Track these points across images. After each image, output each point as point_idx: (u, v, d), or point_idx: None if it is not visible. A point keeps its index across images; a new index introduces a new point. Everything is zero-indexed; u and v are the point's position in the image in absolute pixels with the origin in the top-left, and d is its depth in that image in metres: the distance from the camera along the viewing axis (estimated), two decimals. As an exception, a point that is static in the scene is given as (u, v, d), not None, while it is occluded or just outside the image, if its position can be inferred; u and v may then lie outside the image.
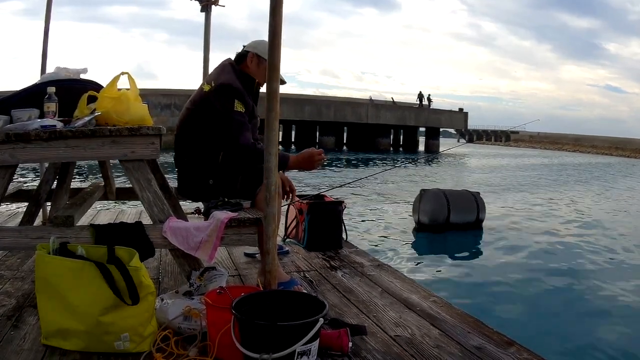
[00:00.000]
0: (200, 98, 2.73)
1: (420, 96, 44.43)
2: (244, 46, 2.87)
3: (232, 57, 2.88)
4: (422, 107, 43.26)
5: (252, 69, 2.80)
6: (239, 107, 2.66)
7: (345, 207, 3.73)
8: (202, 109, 2.69)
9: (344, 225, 3.74)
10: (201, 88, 2.77)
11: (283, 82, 2.77)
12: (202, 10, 3.91)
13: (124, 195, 3.54)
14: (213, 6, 3.86)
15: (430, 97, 44.69)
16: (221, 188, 2.73)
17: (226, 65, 2.82)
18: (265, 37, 2.10)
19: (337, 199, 3.88)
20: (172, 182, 3.38)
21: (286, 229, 3.86)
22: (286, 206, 3.80)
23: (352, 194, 11.70)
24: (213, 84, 2.71)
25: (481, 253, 7.13)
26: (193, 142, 2.72)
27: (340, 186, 6.91)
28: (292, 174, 3.19)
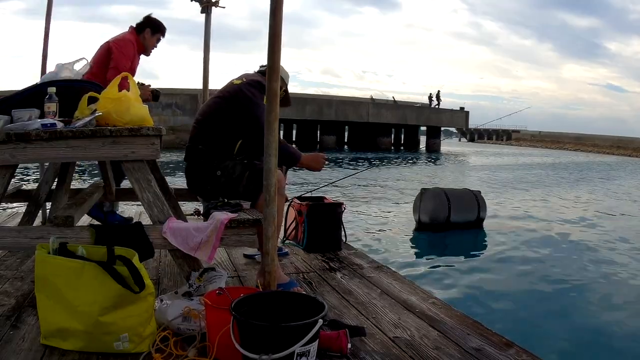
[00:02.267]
0: (232, 89, 2.87)
1: (438, 96, 45.28)
2: (264, 66, 3.00)
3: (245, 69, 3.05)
4: (439, 107, 44.00)
5: None
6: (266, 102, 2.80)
7: (345, 208, 3.74)
8: (232, 99, 2.83)
9: (344, 227, 3.74)
10: (231, 82, 2.93)
11: (288, 104, 3.03)
12: (202, 12, 3.90)
13: (124, 195, 3.54)
14: (213, 7, 3.86)
15: (435, 96, 45.30)
16: (226, 183, 2.75)
17: (254, 73, 3.03)
18: (265, 36, 2.11)
19: (336, 200, 3.88)
20: (172, 182, 3.39)
21: (285, 230, 3.86)
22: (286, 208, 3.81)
23: (352, 194, 11.69)
24: (244, 80, 2.89)
25: (482, 253, 7.12)
26: (214, 129, 2.81)
27: (327, 185, 6.91)
28: (295, 174, 3.23)
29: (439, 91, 46.58)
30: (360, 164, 22.92)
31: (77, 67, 2.73)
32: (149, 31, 3.97)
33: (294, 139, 42.96)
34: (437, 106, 45.42)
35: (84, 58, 2.76)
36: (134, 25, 3.99)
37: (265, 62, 2.94)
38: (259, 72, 3.03)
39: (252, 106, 2.76)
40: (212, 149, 2.78)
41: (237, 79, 2.93)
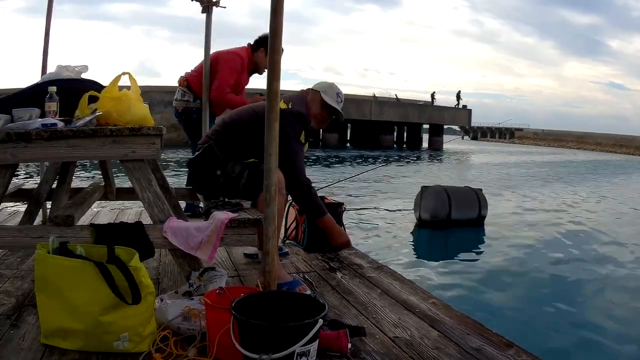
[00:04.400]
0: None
1: (458, 96, 45.74)
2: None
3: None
4: (458, 107, 44.54)
5: (314, 110, 3.00)
6: (302, 138, 2.87)
7: (345, 209, 3.73)
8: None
9: (344, 227, 3.73)
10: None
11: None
12: (203, 11, 3.89)
13: (124, 195, 3.54)
14: (214, 7, 3.85)
15: (455, 96, 45.89)
16: (225, 183, 2.76)
17: (305, 97, 3.01)
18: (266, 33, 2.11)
19: (336, 200, 3.88)
20: (172, 181, 3.39)
21: (286, 230, 3.85)
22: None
23: (353, 193, 11.69)
24: (290, 105, 2.89)
25: (482, 251, 7.12)
26: (236, 139, 2.85)
27: (328, 185, 6.94)
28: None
29: (459, 91, 46.90)
30: (360, 161, 22.92)
31: (78, 69, 2.74)
32: (262, 51, 4.14)
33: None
34: (457, 106, 45.82)
35: (86, 65, 2.77)
36: (252, 43, 4.24)
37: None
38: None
39: (288, 139, 2.77)
40: (222, 151, 2.80)
41: (284, 101, 2.88)
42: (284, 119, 2.72)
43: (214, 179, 2.76)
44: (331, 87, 3.05)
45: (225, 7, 3.89)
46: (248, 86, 4.44)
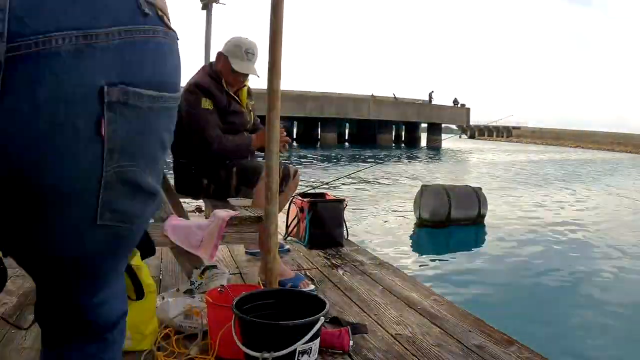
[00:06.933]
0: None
1: (456, 102, 45.92)
2: None
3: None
4: (456, 107, 44.82)
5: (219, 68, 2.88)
6: (205, 104, 2.74)
7: (346, 205, 3.73)
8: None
9: (345, 223, 3.74)
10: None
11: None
12: (203, 8, 3.88)
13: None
14: (214, 4, 3.83)
15: (452, 101, 46.26)
16: (216, 188, 2.78)
17: (217, 64, 2.90)
18: (267, 33, 2.10)
19: (337, 197, 3.88)
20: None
21: (287, 227, 3.86)
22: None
23: (353, 190, 11.69)
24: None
25: (483, 249, 7.12)
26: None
27: (327, 183, 6.95)
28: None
29: (455, 98, 47.18)
30: (358, 160, 22.92)
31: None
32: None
33: (295, 136, 42.92)
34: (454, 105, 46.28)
35: None
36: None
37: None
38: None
39: (186, 108, 2.77)
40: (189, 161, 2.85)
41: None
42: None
43: (203, 189, 2.80)
44: (237, 46, 2.80)
45: (225, 4, 3.87)
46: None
